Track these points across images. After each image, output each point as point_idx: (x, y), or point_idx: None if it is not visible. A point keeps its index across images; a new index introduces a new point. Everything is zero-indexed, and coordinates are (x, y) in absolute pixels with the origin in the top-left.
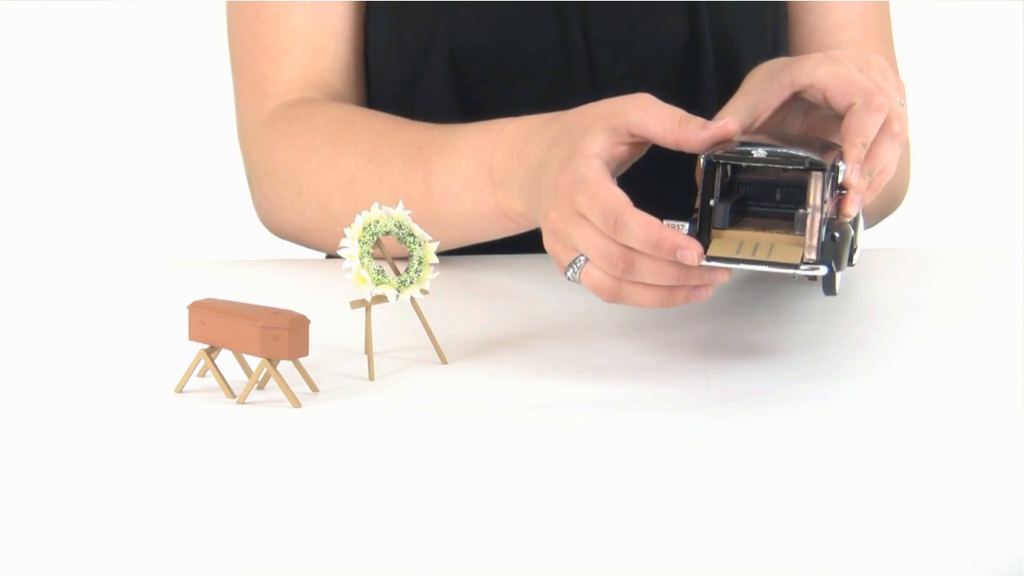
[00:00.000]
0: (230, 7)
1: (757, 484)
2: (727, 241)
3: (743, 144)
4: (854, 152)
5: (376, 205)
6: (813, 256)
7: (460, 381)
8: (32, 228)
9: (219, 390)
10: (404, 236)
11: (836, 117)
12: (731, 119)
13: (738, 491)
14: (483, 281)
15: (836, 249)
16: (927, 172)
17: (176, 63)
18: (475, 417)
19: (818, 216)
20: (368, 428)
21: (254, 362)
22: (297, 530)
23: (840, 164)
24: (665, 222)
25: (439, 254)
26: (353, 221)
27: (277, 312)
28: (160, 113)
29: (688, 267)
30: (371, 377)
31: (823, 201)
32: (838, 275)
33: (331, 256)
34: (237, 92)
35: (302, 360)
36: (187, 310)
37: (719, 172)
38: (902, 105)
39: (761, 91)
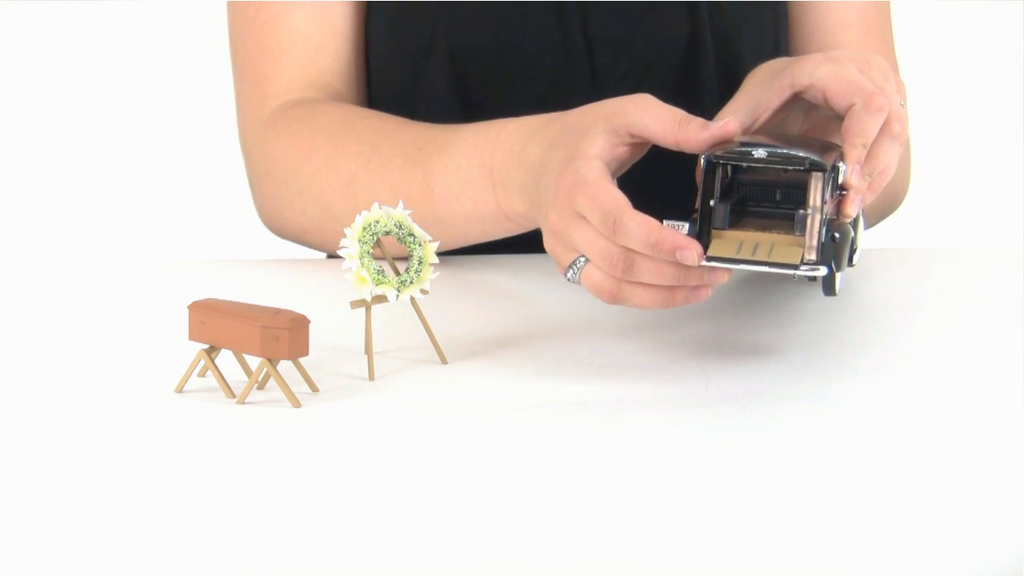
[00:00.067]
0: (231, 7)
1: (757, 484)
2: (727, 241)
3: (743, 144)
4: (854, 153)
5: (376, 205)
6: (813, 257)
7: (460, 381)
8: (32, 228)
9: (219, 390)
10: (404, 236)
11: (836, 118)
12: (731, 119)
13: (738, 491)
14: (483, 281)
15: (836, 250)
16: (927, 172)
17: (176, 63)
18: (475, 417)
19: (818, 217)
20: (368, 428)
21: (254, 362)
22: (297, 530)
23: (840, 165)
24: (665, 223)
25: (439, 254)
26: (353, 221)
27: (277, 312)
28: (160, 113)
29: (688, 267)
30: (371, 377)
31: (823, 202)
32: (838, 275)
33: (332, 256)
34: (238, 92)
35: (302, 360)
36: (187, 310)
37: (719, 172)
38: (902, 105)
39: (761, 91)
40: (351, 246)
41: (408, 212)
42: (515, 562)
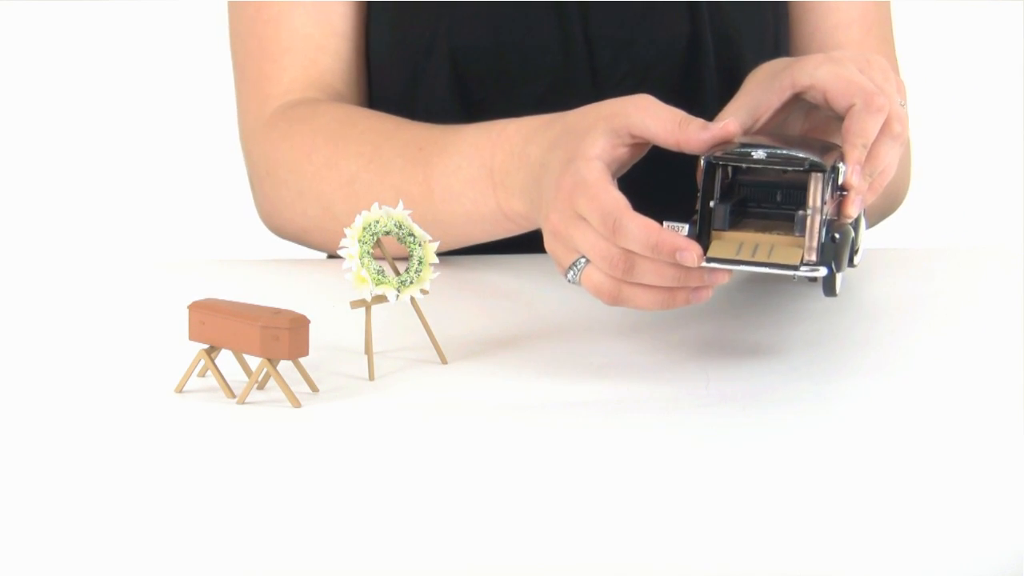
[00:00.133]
0: (232, 7)
1: (757, 484)
2: (727, 242)
3: (743, 145)
4: (855, 153)
5: (376, 205)
6: (813, 257)
7: (460, 381)
8: (32, 228)
9: (219, 390)
10: (404, 236)
11: (837, 118)
12: (732, 120)
13: (738, 491)
14: (483, 281)
15: (836, 250)
16: (927, 172)
17: (177, 63)
18: (475, 417)
19: (818, 217)
20: (368, 428)
21: (254, 362)
22: (297, 530)
23: (840, 165)
24: (665, 224)
25: (439, 254)
26: (353, 221)
27: (277, 312)
28: (161, 113)
29: (689, 269)
30: (371, 377)
31: (823, 202)
32: (838, 276)
33: (332, 256)
34: (239, 92)
35: (302, 360)
36: (187, 310)
37: (719, 173)
38: (903, 106)
39: (762, 92)
40: (351, 246)
41: (408, 212)
42: (515, 562)
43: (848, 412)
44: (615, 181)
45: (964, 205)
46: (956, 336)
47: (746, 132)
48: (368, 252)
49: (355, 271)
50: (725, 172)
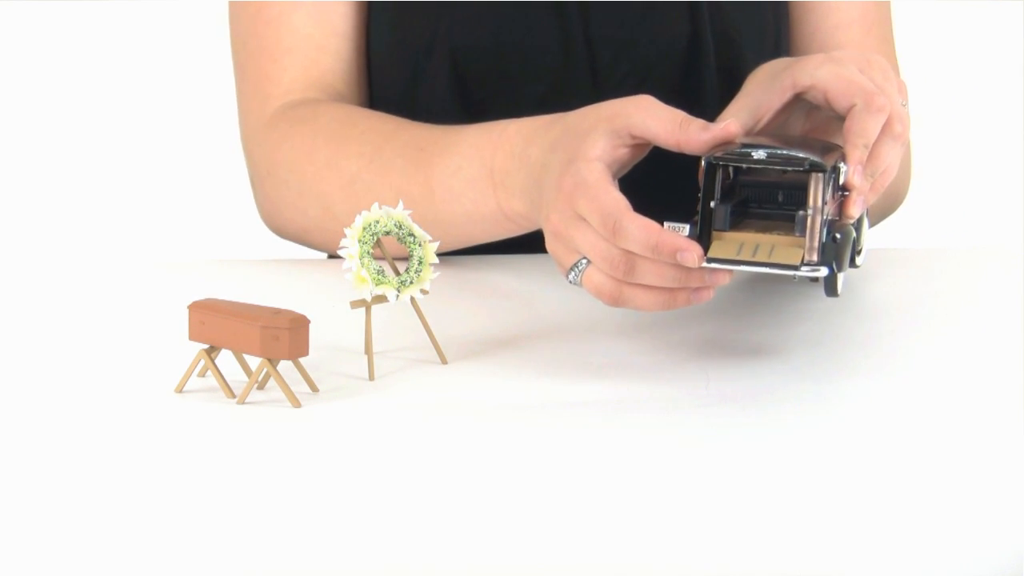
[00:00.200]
0: (232, 7)
1: (757, 484)
2: (727, 243)
3: (744, 146)
4: (856, 153)
5: (376, 205)
6: (814, 258)
7: (460, 381)
8: (32, 228)
9: (219, 390)
10: (404, 236)
11: (838, 118)
12: (732, 121)
13: (738, 491)
14: (483, 281)
15: (837, 250)
16: (928, 172)
17: (177, 63)
18: (475, 417)
19: (819, 218)
20: (368, 428)
21: (254, 362)
22: (297, 530)
23: (841, 165)
24: (665, 224)
25: (439, 254)
26: (354, 221)
27: (277, 312)
28: (161, 113)
29: (690, 269)
30: (371, 377)
31: (823, 202)
32: (840, 276)
33: (333, 256)
34: (240, 93)
35: (302, 360)
36: (187, 310)
37: (719, 174)
38: (904, 106)
39: (763, 92)
40: (351, 246)
41: (408, 212)
42: (515, 562)
43: (848, 412)
44: (616, 182)
45: (964, 205)
46: (956, 336)
47: (747, 133)
48: (368, 252)
49: (355, 271)
50: (726, 173)
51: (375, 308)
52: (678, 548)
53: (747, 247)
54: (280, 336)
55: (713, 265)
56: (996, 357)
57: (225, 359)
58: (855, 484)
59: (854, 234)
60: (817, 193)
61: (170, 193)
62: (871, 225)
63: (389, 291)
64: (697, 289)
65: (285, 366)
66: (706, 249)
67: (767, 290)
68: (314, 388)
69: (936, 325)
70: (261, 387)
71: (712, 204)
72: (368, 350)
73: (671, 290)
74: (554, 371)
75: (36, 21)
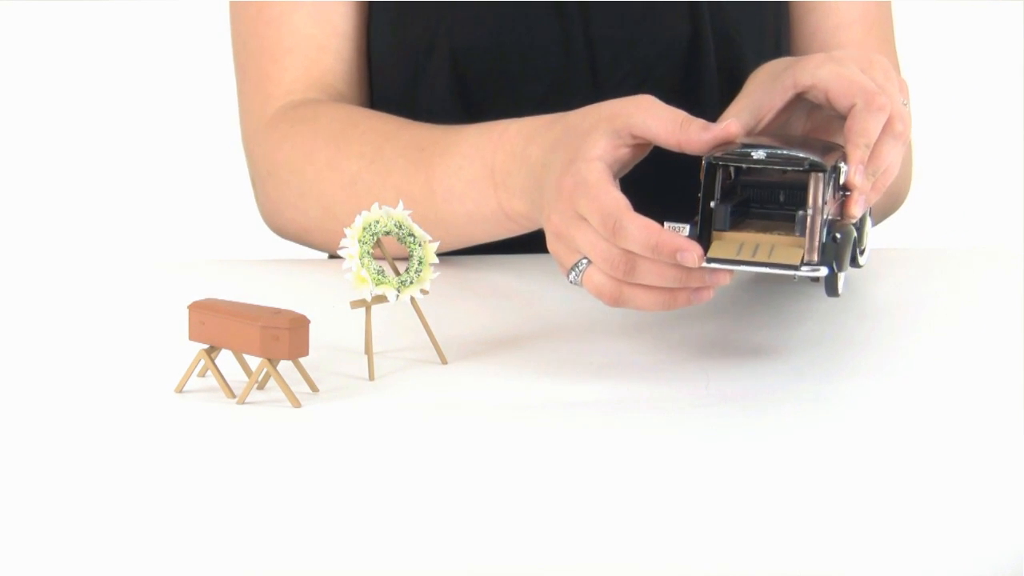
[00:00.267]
0: (233, 8)
1: (757, 484)
2: (727, 243)
3: (744, 146)
4: (857, 153)
5: (376, 205)
6: (814, 257)
7: (460, 381)
8: (32, 228)
9: (219, 390)
10: (404, 236)
11: (839, 118)
12: (733, 121)
13: (738, 491)
14: (483, 281)
15: (838, 250)
16: (928, 172)
17: (177, 63)
18: (475, 417)
19: (819, 217)
20: (368, 428)
21: (254, 362)
22: (297, 530)
23: (841, 165)
24: (666, 224)
25: (439, 254)
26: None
27: (277, 312)
28: (161, 113)
29: (690, 269)
30: (371, 377)
31: (823, 202)
32: (841, 276)
33: (333, 256)
34: (240, 93)
35: (302, 360)
36: (187, 310)
37: (719, 174)
38: (905, 105)
39: (764, 92)
40: (351, 246)
41: (408, 212)
42: (515, 562)
43: (848, 412)
44: (617, 182)
45: (964, 205)
46: (956, 336)
47: (749, 133)
48: (368, 252)
49: (355, 271)
50: (727, 173)
51: (375, 308)
52: (678, 548)
53: (747, 247)
54: (280, 336)
55: (713, 265)
56: (996, 357)
57: (225, 359)
58: (855, 484)
59: (855, 234)
60: (817, 193)
61: (170, 193)
62: (873, 224)
63: (389, 291)
64: (697, 289)
65: (285, 366)
66: (706, 249)
67: (767, 290)
68: (314, 388)
69: (936, 325)
70: (261, 387)
71: (712, 204)
72: (368, 350)
73: (671, 290)
74: (554, 371)
75: (36, 21)
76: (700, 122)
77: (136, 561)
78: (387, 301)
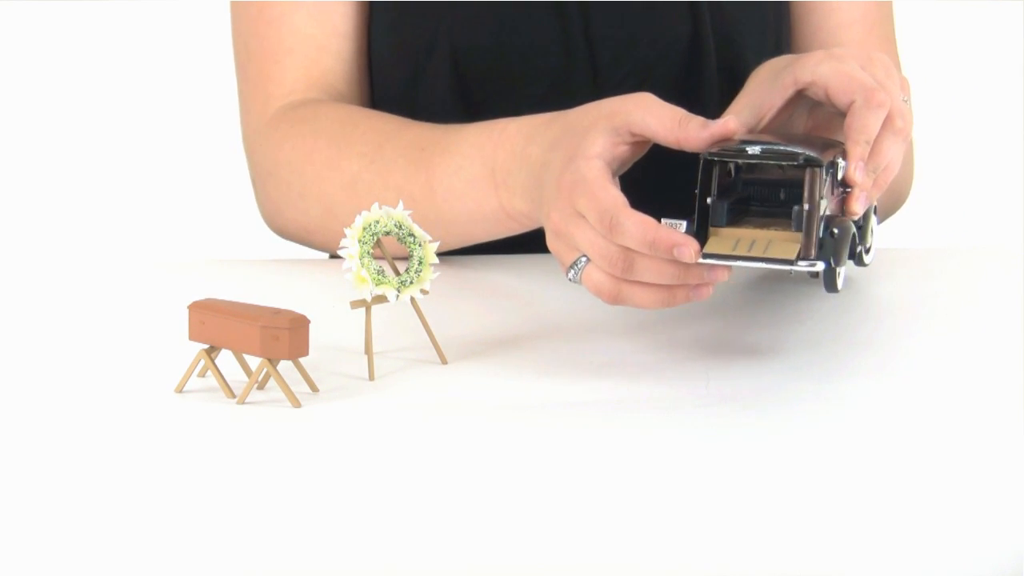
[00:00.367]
0: (234, 8)
1: (757, 484)
2: (724, 239)
3: (742, 142)
4: (857, 150)
5: (376, 205)
6: (811, 253)
7: (460, 381)
8: (32, 228)
9: (219, 390)
10: (404, 236)
11: (840, 115)
12: (731, 118)
13: (738, 491)
14: (483, 281)
15: (835, 246)
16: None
17: (177, 63)
18: (475, 417)
19: (816, 212)
20: (368, 428)
21: (254, 362)
22: (297, 530)
23: (840, 161)
24: (663, 221)
25: (440, 254)
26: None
27: (277, 312)
28: (161, 113)
29: (688, 266)
30: (371, 377)
31: (820, 197)
32: (840, 272)
33: (334, 256)
34: (241, 93)
35: (302, 360)
36: (187, 310)
37: (716, 170)
38: (905, 102)
39: (765, 90)
40: (351, 246)
41: (408, 212)
42: (515, 562)
43: (848, 412)
44: (616, 179)
45: (964, 205)
46: (956, 336)
47: (750, 131)
48: (368, 252)
49: (355, 271)
50: (725, 169)
51: (375, 308)
52: (678, 548)
53: (743, 243)
54: (280, 336)
55: (709, 260)
56: (996, 357)
57: (225, 359)
58: (855, 484)
59: (853, 230)
60: (813, 188)
61: (170, 193)
62: (878, 223)
63: (389, 291)
64: (696, 286)
65: (285, 366)
66: (703, 245)
67: (768, 290)
68: (314, 388)
69: (936, 325)
70: (261, 387)
71: (709, 200)
72: (368, 350)
73: (670, 287)
74: (554, 371)
75: (36, 21)
76: (698, 119)
77: (136, 561)
78: (387, 301)
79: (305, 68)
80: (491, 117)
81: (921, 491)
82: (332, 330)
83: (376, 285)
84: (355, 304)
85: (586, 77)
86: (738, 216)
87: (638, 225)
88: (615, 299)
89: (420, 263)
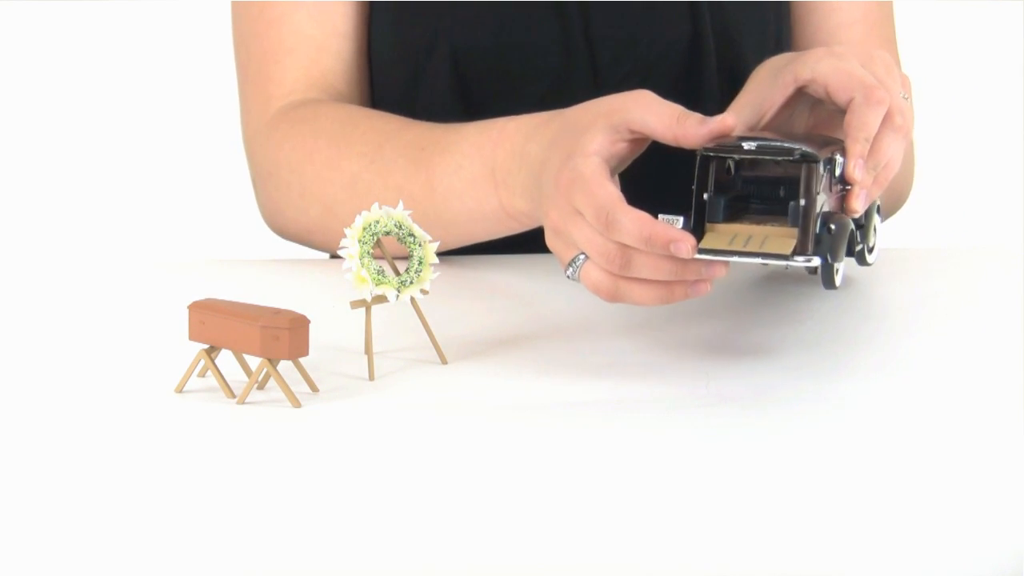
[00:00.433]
0: (234, 8)
1: (757, 484)
2: (720, 234)
3: (739, 139)
4: (857, 147)
5: (376, 205)
6: (807, 248)
7: (460, 381)
8: (32, 228)
9: (219, 390)
10: (404, 236)
11: (840, 112)
12: (729, 114)
13: (738, 491)
14: (483, 281)
15: (832, 241)
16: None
17: (178, 64)
18: (475, 417)
19: (812, 208)
20: (368, 428)
21: (254, 362)
22: (297, 530)
23: (837, 157)
24: (660, 217)
25: (440, 254)
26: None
27: (277, 312)
28: (161, 114)
29: (685, 262)
30: (371, 377)
31: (816, 192)
32: (839, 268)
33: (335, 256)
34: (241, 93)
35: (302, 360)
36: (187, 310)
37: (712, 166)
38: (906, 99)
39: (766, 88)
40: (351, 246)
41: (408, 212)
42: (515, 562)
43: (848, 412)
44: (615, 177)
45: (964, 205)
46: (956, 336)
47: (751, 128)
48: (368, 252)
49: (355, 271)
50: (724, 166)
51: (375, 308)
52: (678, 548)
53: (739, 238)
54: (280, 336)
55: (705, 256)
56: (996, 357)
57: (225, 359)
58: (855, 484)
59: (851, 226)
60: (809, 184)
61: (170, 193)
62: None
63: (389, 291)
64: (695, 282)
65: (285, 366)
66: (700, 241)
67: (768, 290)
68: (314, 388)
69: (936, 325)
70: (261, 387)
71: (705, 196)
72: (368, 350)
73: (668, 284)
74: (554, 371)
75: (36, 21)
76: (696, 116)
77: (136, 561)
78: (387, 301)
79: (305, 68)
80: (491, 117)
81: (921, 491)
82: (332, 330)
83: (376, 285)
84: (355, 304)
85: (586, 77)
86: (738, 213)
87: (634, 221)
88: (613, 296)
89: (420, 263)
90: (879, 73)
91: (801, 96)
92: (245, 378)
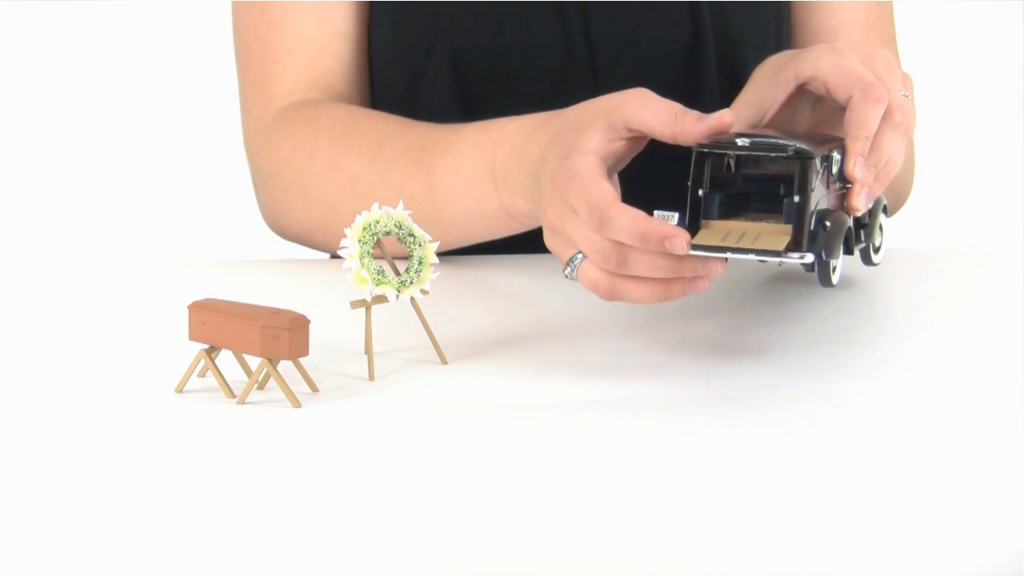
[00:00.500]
0: (235, 8)
1: (757, 484)
2: (714, 231)
3: (736, 136)
4: (856, 145)
5: (376, 205)
6: (801, 244)
7: (460, 381)
8: (32, 228)
9: (219, 390)
10: (404, 236)
11: (841, 109)
12: (726, 111)
13: (738, 491)
14: (483, 281)
15: (827, 239)
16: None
17: (178, 64)
18: (475, 417)
19: (807, 205)
20: (368, 428)
21: (254, 362)
22: (297, 530)
23: (835, 155)
24: (655, 213)
25: (440, 254)
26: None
27: (277, 312)
28: (161, 114)
29: (681, 259)
30: (371, 377)
31: (811, 189)
32: (836, 266)
33: (335, 256)
34: (242, 94)
35: (302, 360)
36: (187, 310)
37: (707, 163)
38: (907, 97)
39: (767, 86)
40: (351, 246)
41: (408, 212)
42: (516, 562)
43: (848, 412)
44: (614, 175)
45: (964, 205)
46: (956, 336)
47: (753, 126)
48: (368, 252)
49: (355, 271)
50: (721, 163)
51: (375, 308)
52: (678, 548)
53: (733, 234)
54: (280, 336)
55: (699, 252)
56: (996, 357)
57: (225, 359)
58: (855, 484)
59: (848, 224)
60: (804, 180)
61: (170, 193)
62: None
63: (389, 291)
64: (692, 279)
65: (285, 366)
66: (695, 237)
67: (767, 289)
68: (314, 388)
69: (936, 325)
70: (261, 387)
71: (700, 193)
72: (368, 350)
73: (665, 281)
74: (554, 371)
75: (36, 21)
76: (694, 113)
77: (136, 561)
78: (387, 301)
79: (306, 69)
80: (491, 117)
81: (921, 491)
82: (332, 330)
83: (376, 285)
84: (355, 304)
85: (586, 77)
86: (737, 211)
87: (628, 219)
88: (611, 295)
89: (420, 263)
90: (880, 71)
91: (803, 94)
92: (245, 378)
